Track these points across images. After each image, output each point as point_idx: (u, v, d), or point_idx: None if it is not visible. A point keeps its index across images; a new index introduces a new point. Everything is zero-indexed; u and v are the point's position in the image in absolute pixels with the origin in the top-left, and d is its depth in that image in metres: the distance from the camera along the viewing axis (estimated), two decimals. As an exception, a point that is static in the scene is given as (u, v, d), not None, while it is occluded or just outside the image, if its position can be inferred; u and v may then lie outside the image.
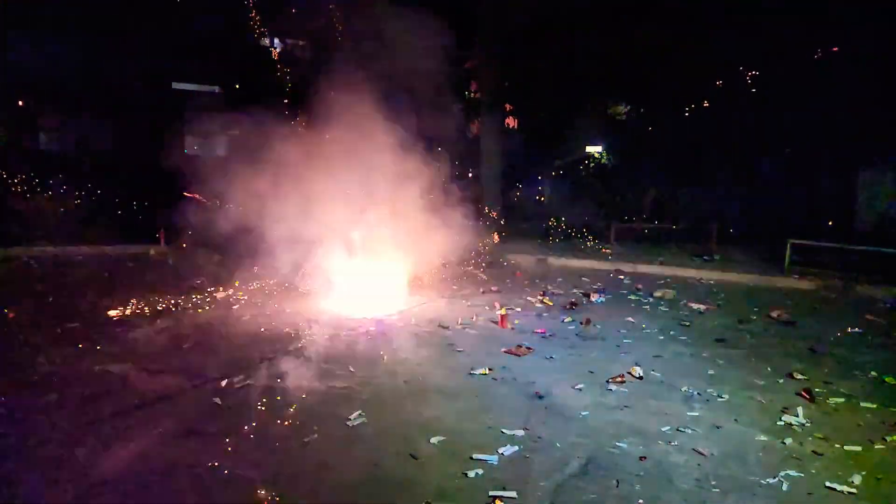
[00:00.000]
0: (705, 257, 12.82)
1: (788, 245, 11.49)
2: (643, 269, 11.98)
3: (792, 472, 3.80)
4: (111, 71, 16.32)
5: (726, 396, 5.11)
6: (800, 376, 5.66)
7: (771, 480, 3.70)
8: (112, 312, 7.54)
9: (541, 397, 4.98)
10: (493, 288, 9.70)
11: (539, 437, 4.21)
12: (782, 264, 11.44)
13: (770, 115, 14.48)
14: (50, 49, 16.11)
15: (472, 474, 3.66)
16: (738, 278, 11.08)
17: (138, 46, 15.55)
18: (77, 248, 12.78)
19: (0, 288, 9.00)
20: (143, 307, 7.88)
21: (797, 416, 4.70)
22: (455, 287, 9.55)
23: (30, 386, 4.90)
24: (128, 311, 7.62)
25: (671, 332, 7.21)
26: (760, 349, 6.61)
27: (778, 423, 4.60)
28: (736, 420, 4.63)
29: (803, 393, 5.18)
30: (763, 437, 4.33)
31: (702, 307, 8.62)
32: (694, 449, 4.09)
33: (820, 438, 4.32)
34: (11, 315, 7.21)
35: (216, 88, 13.54)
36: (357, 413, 4.51)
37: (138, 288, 9.18)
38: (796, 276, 10.90)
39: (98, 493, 3.36)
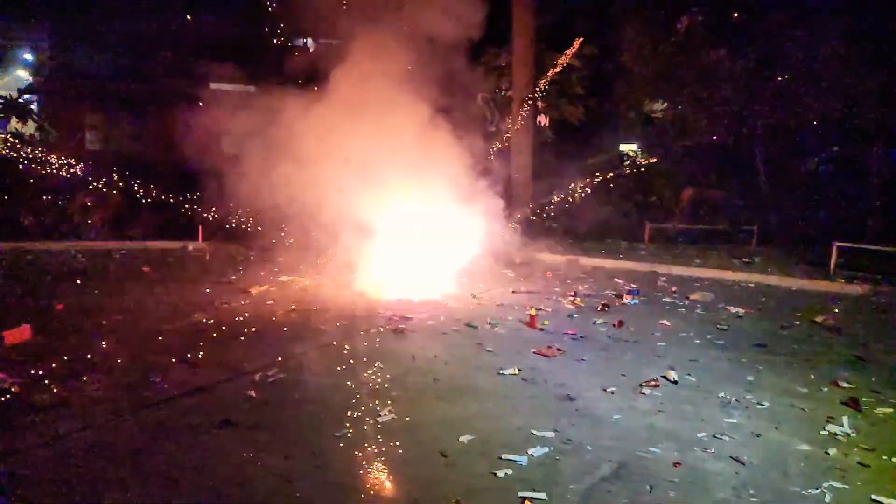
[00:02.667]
0: (745, 259, 12.48)
1: (834, 247, 11.09)
2: (678, 270, 11.72)
3: (836, 484, 3.64)
4: (153, 72, 16.80)
5: (766, 403, 4.94)
6: (845, 384, 5.44)
7: (813, 491, 3.56)
8: (152, 305, 7.74)
9: (571, 399, 4.90)
10: (522, 288, 9.62)
11: (569, 440, 4.14)
12: (827, 267, 11.06)
13: (815, 110, 13.98)
14: (96, 51, 16.67)
15: (501, 474, 3.62)
16: (780, 281, 10.74)
17: (178, 48, 15.96)
18: (119, 243, 13.19)
19: (50, 280, 9.32)
20: (181, 301, 8.06)
21: (842, 425, 4.51)
22: (484, 286, 9.49)
23: (78, 374, 5.05)
24: (168, 305, 7.80)
25: (708, 336, 7.02)
26: (803, 355, 6.38)
27: (821, 432, 4.42)
28: (777, 428, 4.47)
29: (849, 402, 4.98)
30: (805, 447, 4.17)
31: (741, 311, 8.37)
32: (732, 456, 3.96)
33: (866, 449, 4.14)
34: (60, 307, 7.46)
35: (251, 88, 13.79)
36: (387, 409, 4.51)
37: (176, 282, 9.41)
38: (842, 280, 10.50)
39: (138, 478, 3.42)
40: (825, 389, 5.35)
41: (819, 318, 7.92)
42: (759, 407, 4.87)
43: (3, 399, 4.44)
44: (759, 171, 15.55)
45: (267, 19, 11.82)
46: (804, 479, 3.72)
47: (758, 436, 4.32)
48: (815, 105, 13.70)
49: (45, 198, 13.50)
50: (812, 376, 5.68)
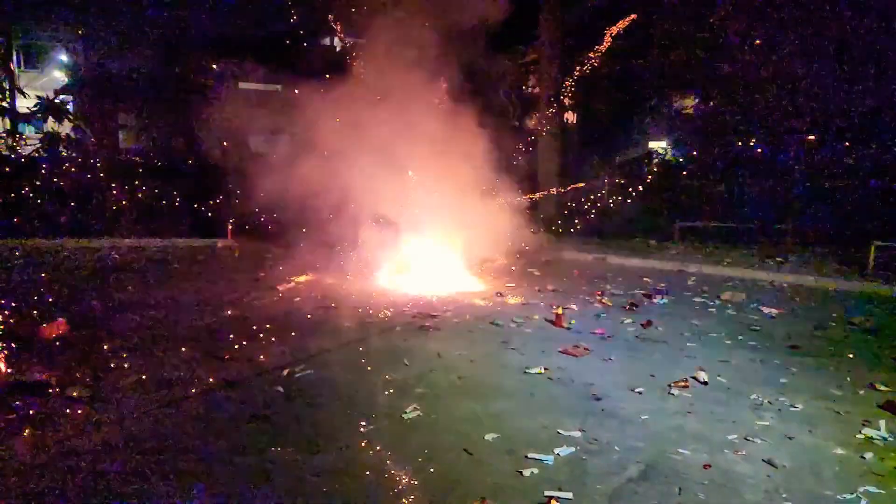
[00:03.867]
0: (778, 258, 12.19)
1: (872, 246, 10.77)
2: (709, 269, 11.51)
3: (871, 489, 3.54)
4: (184, 73, 17.11)
5: (800, 406, 4.82)
6: (883, 388, 5.28)
7: (848, 496, 3.46)
8: (183, 301, 7.89)
9: (598, 399, 4.85)
10: (548, 286, 9.55)
11: (596, 440, 4.09)
12: (865, 267, 10.74)
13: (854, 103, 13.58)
14: (128, 52, 17.04)
15: (527, 473, 3.60)
16: (815, 281, 10.46)
17: (207, 49, 16.22)
18: (150, 240, 13.50)
19: (85, 276, 9.57)
20: (211, 297, 8.20)
21: (879, 429, 4.37)
22: (510, 284, 9.45)
23: (111, 367, 5.18)
24: (198, 301, 7.95)
25: (739, 337, 6.88)
26: (839, 358, 6.21)
27: (857, 436, 4.30)
28: (810, 431, 4.36)
29: (886, 405, 4.82)
30: (840, 451, 4.05)
31: (774, 311, 8.18)
32: (764, 459, 3.88)
33: (904, 455, 4.02)
34: (94, 302, 7.66)
35: (278, 87, 13.96)
36: (412, 406, 4.52)
37: (206, 279, 9.58)
38: (880, 281, 10.19)
39: (169, 470, 3.49)
40: (861, 392, 5.20)
41: (856, 320, 7.69)
42: (792, 409, 4.76)
43: (40, 391, 4.57)
44: (795, 169, 15.18)
45: (293, 17, 11.95)
46: (839, 483, 3.62)
47: (791, 439, 4.22)
48: (854, 100, 13.33)
49: (80, 196, 13.88)
50: (848, 379, 5.52)
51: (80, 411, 4.29)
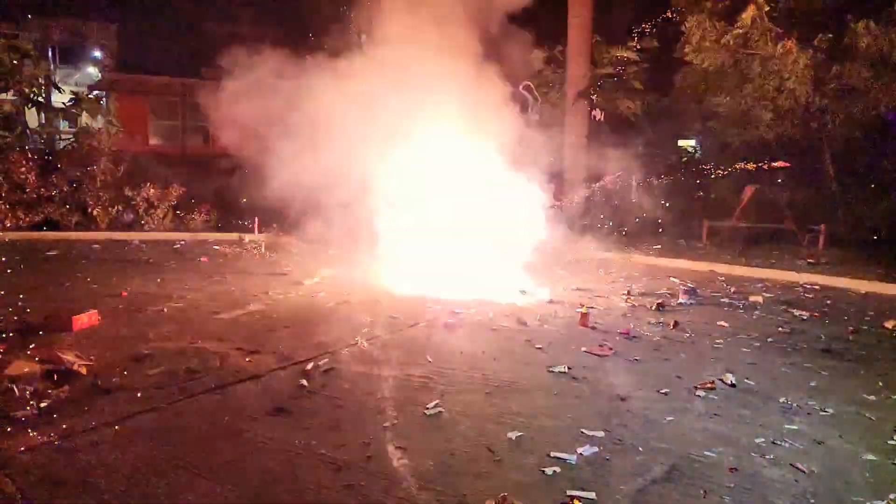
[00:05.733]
0: (810, 260, 11.92)
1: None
2: (739, 270, 11.30)
3: (905, 498, 3.45)
4: (214, 70, 17.34)
5: (831, 410, 4.71)
6: (917, 394, 5.14)
7: (879, 503, 3.37)
8: (210, 295, 8.02)
9: (623, 399, 4.80)
10: (574, 285, 9.48)
11: (620, 440, 4.06)
12: (900, 270, 10.45)
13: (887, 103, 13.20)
14: (157, 51, 17.36)
15: (549, 472, 3.58)
16: (849, 284, 10.19)
17: (236, 44, 16.41)
18: (179, 234, 13.76)
19: (116, 269, 9.79)
20: (237, 291, 8.32)
21: (913, 436, 4.26)
22: (534, 282, 9.39)
23: (140, 359, 5.28)
24: (224, 295, 8.07)
25: (769, 340, 6.75)
26: (872, 362, 6.05)
27: (889, 441, 4.19)
28: (841, 436, 4.26)
29: (921, 412, 4.69)
30: (871, 457, 3.95)
31: (805, 314, 8.00)
32: (792, 464, 3.80)
33: (940, 463, 3.90)
34: (125, 294, 7.83)
35: (306, 81, 14.04)
36: (434, 402, 4.53)
37: (232, 273, 9.72)
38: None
39: (194, 462, 3.56)
40: (894, 398, 5.06)
41: (890, 324, 7.48)
42: (822, 414, 4.65)
43: (71, 381, 4.68)
44: (828, 168, 14.80)
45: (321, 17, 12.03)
46: (869, 489, 3.53)
47: (820, 443, 4.12)
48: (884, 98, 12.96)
49: (111, 190, 14.20)
50: (881, 384, 5.37)
51: (106, 401, 4.38)
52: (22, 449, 3.61)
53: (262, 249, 12.06)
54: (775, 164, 14.38)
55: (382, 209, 9.07)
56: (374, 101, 8.72)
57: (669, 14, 15.19)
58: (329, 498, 3.25)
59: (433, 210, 8.83)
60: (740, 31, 13.87)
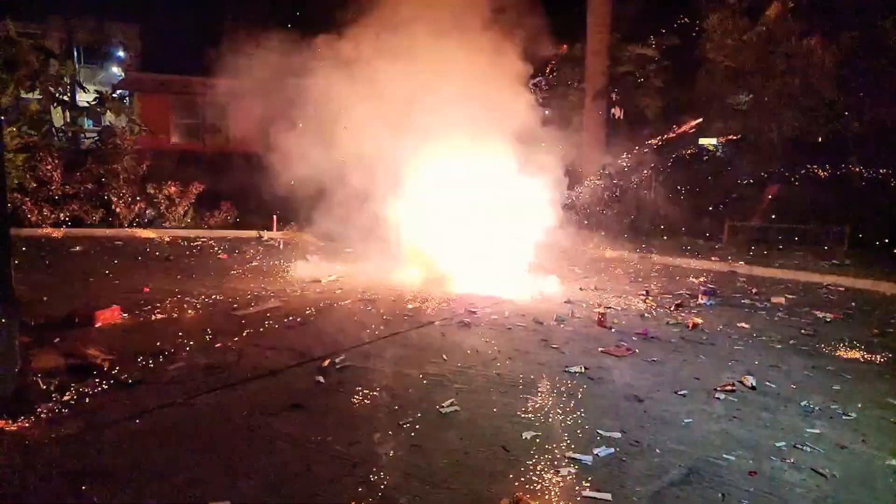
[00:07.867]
0: (834, 261, 11.70)
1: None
2: (760, 271, 11.14)
3: (931, 505, 3.37)
4: (234, 71, 17.51)
5: (853, 415, 4.62)
6: (944, 398, 5.01)
7: (905, 511, 3.31)
8: (228, 291, 8.10)
9: (640, 400, 4.76)
10: (592, 285, 9.41)
11: (637, 442, 4.02)
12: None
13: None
14: (178, 50, 17.53)
15: (564, 472, 3.56)
16: (873, 285, 9.99)
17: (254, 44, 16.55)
18: (199, 231, 13.93)
19: (138, 265, 9.94)
20: (255, 288, 8.40)
21: (939, 442, 4.16)
22: (553, 281, 9.34)
23: (160, 354, 5.35)
24: (242, 291, 8.15)
25: (791, 342, 6.64)
26: (896, 365, 5.93)
27: (915, 448, 4.10)
28: (864, 441, 4.17)
29: (948, 417, 4.58)
30: (894, 462, 3.87)
31: (828, 316, 7.86)
32: (813, 468, 3.73)
33: (968, 470, 3.80)
34: (146, 290, 7.95)
35: (325, 81, 14.12)
36: (450, 401, 4.53)
37: (251, 270, 9.81)
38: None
39: (211, 456, 3.60)
40: (921, 403, 4.95)
41: (917, 326, 7.33)
42: (845, 418, 4.56)
43: (94, 375, 4.76)
44: (854, 168, 14.50)
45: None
46: (893, 495, 3.45)
47: (843, 448, 4.05)
48: None
49: (134, 187, 14.41)
50: (907, 388, 5.26)
51: (127, 395, 4.45)
52: (46, 441, 3.69)
53: (281, 246, 12.16)
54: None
55: (400, 207, 9.10)
56: (394, 103, 8.73)
57: (690, 12, 15.02)
58: (344, 494, 3.27)
59: (450, 209, 8.83)
60: (763, 27, 13.66)
